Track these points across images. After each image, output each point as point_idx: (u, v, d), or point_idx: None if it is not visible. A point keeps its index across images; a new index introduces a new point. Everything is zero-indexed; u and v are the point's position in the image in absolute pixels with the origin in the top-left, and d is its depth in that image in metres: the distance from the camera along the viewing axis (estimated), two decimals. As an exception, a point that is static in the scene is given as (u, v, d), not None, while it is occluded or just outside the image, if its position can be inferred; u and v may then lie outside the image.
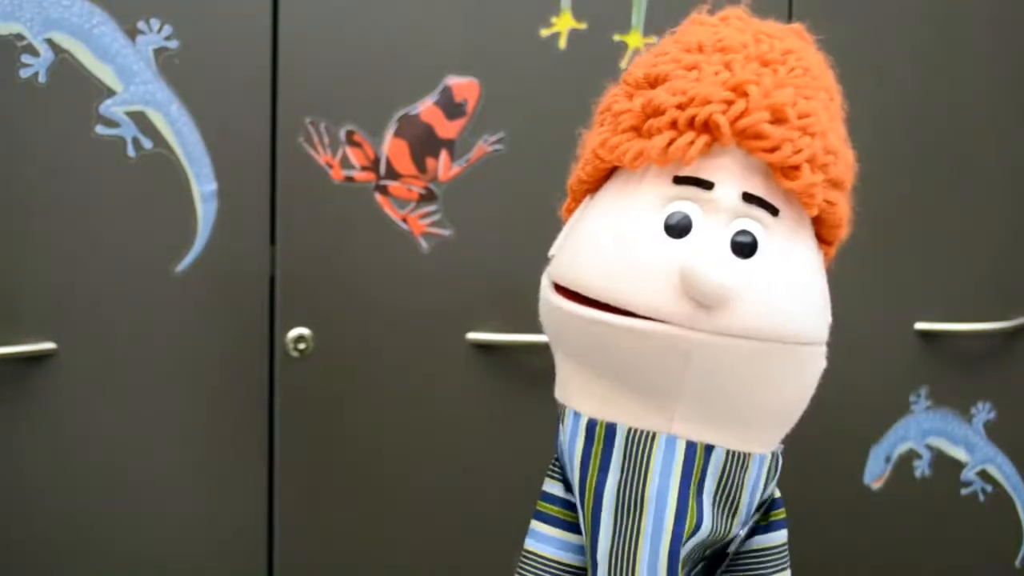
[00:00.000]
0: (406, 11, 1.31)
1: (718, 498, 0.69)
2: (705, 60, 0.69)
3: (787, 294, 0.68)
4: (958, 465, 1.53)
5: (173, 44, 1.25)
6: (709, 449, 0.69)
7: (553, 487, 0.77)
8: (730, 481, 0.70)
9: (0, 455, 1.25)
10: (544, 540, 0.76)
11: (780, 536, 0.75)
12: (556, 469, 0.78)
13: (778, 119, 0.67)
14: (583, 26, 1.35)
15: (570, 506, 0.76)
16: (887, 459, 1.51)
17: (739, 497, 0.70)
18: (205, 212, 1.28)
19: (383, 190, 1.33)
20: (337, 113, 1.30)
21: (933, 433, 1.52)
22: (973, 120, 1.48)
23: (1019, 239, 1.51)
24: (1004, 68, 1.49)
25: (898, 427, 1.51)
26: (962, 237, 1.49)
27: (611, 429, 0.70)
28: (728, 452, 0.69)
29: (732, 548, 0.72)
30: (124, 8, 1.23)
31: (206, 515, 1.32)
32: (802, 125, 0.67)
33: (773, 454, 0.72)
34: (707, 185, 0.67)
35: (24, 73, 1.21)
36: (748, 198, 0.67)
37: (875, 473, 1.51)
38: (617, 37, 1.37)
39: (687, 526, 0.69)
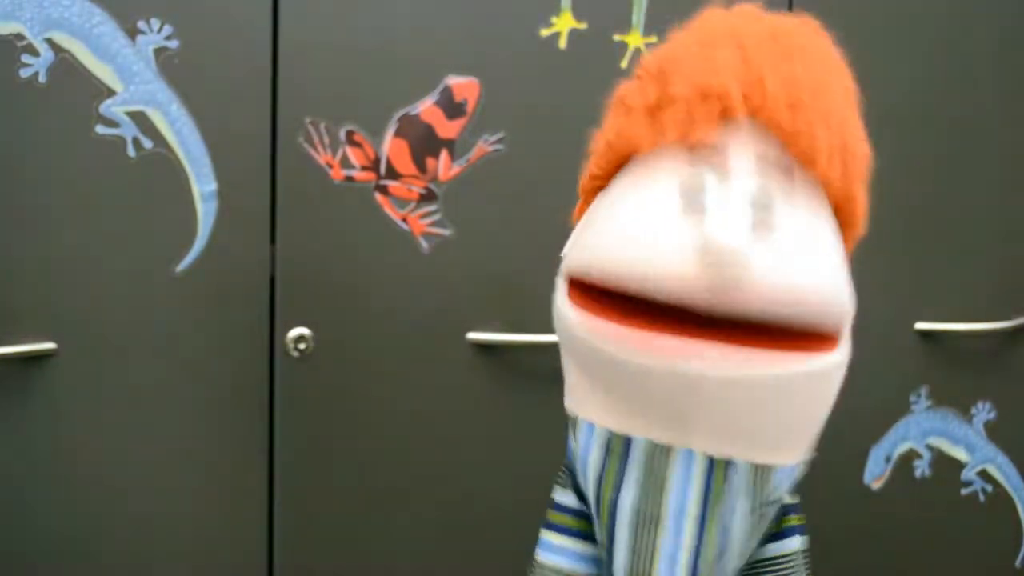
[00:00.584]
0: (406, 11, 1.31)
1: (747, 513, 0.67)
2: (719, 49, 0.68)
3: (807, 257, 0.65)
4: (958, 465, 1.53)
5: (173, 44, 1.25)
6: (730, 463, 0.66)
7: (563, 496, 0.76)
8: (756, 495, 0.67)
9: (0, 455, 1.24)
10: (556, 551, 0.75)
11: (795, 543, 0.73)
12: (566, 477, 0.76)
13: (795, 108, 0.66)
14: (583, 26, 1.35)
15: (582, 515, 0.74)
16: (887, 459, 1.51)
17: (768, 510, 0.68)
18: (205, 212, 1.28)
19: (383, 190, 1.32)
20: (337, 113, 1.30)
21: (933, 433, 1.52)
22: (973, 120, 1.48)
23: (1019, 239, 1.51)
24: (1005, 68, 1.49)
25: (898, 427, 1.51)
26: (962, 237, 1.49)
27: (628, 442, 0.68)
28: (752, 466, 0.67)
29: (750, 559, 0.71)
30: (124, 8, 1.23)
31: (206, 515, 1.32)
32: (820, 115, 0.66)
33: (801, 465, 0.70)
34: (720, 151, 0.66)
35: (24, 73, 1.21)
36: (761, 160, 0.66)
37: (875, 473, 1.51)
38: (617, 37, 1.37)
39: (707, 544, 0.67)
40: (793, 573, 0.73)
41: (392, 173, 1.32)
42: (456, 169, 1.34)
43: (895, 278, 1.46)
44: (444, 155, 1.33)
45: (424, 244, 1.34)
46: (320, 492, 1.34)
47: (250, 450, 1.32)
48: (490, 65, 1.33)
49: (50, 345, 1.24)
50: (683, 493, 0.67)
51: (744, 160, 0.65)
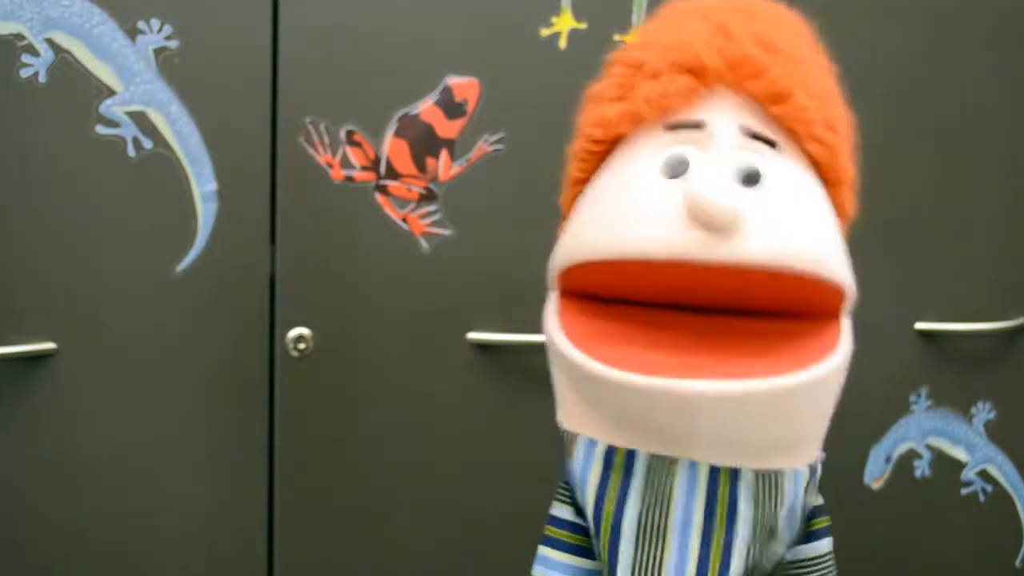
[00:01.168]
0: (406, 11, 1.31)
1: (754, 524, 0.66)
2: (685, 21, 0.68)
3: (798, 217, 0.63)
4: (958, 465, 1.53)
5: (173, 44, 1.25)
6: (735, 473, 0.66)
7: (562, 511, 0.75)
8: (764, 503, 0.66)
9: (0, 455, 1.24)
10: (553, 566, 0.74)
11: (823, 545, 0.72)
12: (565, 493, 0.75)
13: (764, 47, 0.64)
14: (583, 26, 1.35)
15: (580, 530, 0.73)
16: (887, 459, 1.51)
17: (776, 518, 0.67)
18: (205, 212, 1.28)
19: (383, 190, 1.32)
20: (337, 113, 1.30)
21: (933, 433, 1.52)
22: (973, 119, 1.48)
23: (1019, 239, 1.51)
24: (1005, 66, 1.49)
25: (898, 427, 1.51)
26: (962, 237, 1.49)
27: (631, 456, 0.67)
28: (757, 474, 0.66)
29: (777, 569, 0.70)
30: (124, 8, 1.23)
31: (206, 515, 1.32)
32: (789, 54, 0.65)
33: (812, 466, 0.69)
34: (699, 124, 0.65)
35: (24, 73, 1.21)
36: (744, 131, 0.64)
37: (875, 473, 1.51)
38: (617, 37, 1.37)
39: (713, 555, 0.66)
40: (826, 574, 0.72)
41: (392, 173, 1.32)
42: (456, 169, 1.34)
43: (895, 278, 1.46)
44: (444, 155, 1.33)
45: (424, 244, 1.34)
46: (320, 492, 1.34)
47: (250, 450, 1.32)
48: (490, 65, 1.33)
49: (50, 345, 1.24)
50: (688, 504, 0.66)
51: (727, 133, 0.64)
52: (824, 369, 0.63)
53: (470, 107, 1.33)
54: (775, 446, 0.66)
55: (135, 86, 1.24)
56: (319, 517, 1.34)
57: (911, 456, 1.52)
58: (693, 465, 0.66)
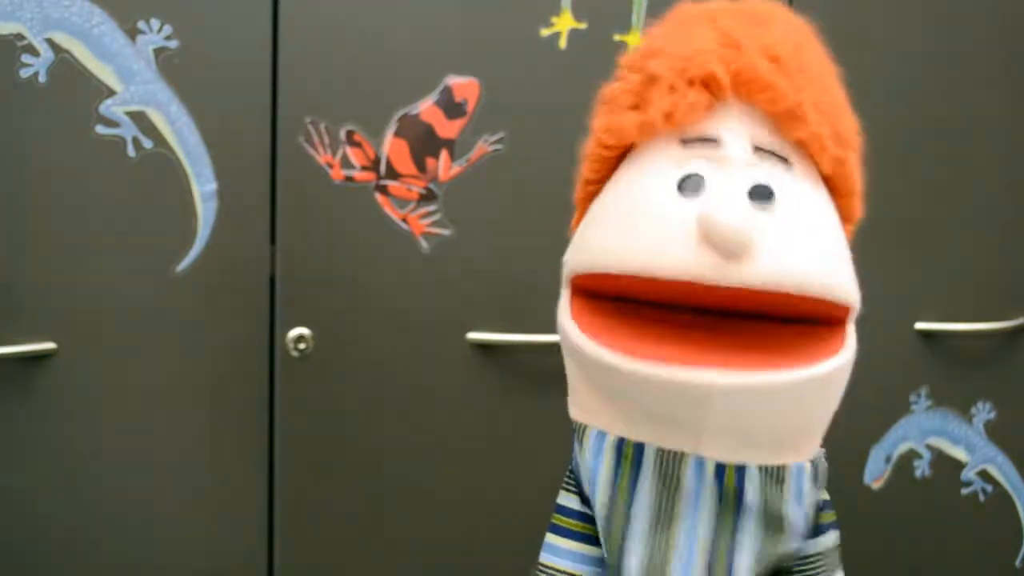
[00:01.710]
0: (406, 11, 1.31)
1: (760, 516, 0.67)
2: (695, 28, 0.68)
3: (809, 240, 0.64)
4: (958, 465, 1.53)
5: (173, 44, 1.25)
6: (741, 469, 0.67)
7: (569, 500, 0.76)
8: (769, 497, 0.67)
9: (0, 455, 1.24)
10: (561, 554, 0.75)
11: (829, 539, 0.73)
12: (571, 482, 0.76)
13: (776, 64, 0.65)
14: (583, 26, 1.35)
15: (586, 518, 0.75)
16: (887, 459, 1.51)
17: (782, 511, 0.68)
18: (205, 212, 1.28)
19: (383, 190, 1.32)
20: (337, 113, 1.30)
21: (933, 433, 1.52)
22: (973, 119, 1.48)
23: (1019, 239, 1.51)
24: (1004, 67, 1.49)
25: (898, 427, 1.51)
26: (962, 237, 1.49)
27: (640, 448, 0.68)
28: (761, 468, 0.67)
29: (790, 563, 0.70)
30: (124, 8, 1.23)
31: (206, 515, 1.32)
32: (801, 72, 0.66)
33: (811, 462, 0.70)
34: (715, 141, 0.66)
35: (24, 73, 1.21)
36: (758, 151, 0.66)
37: (875, 473, 1.51)
38: (617, 37, 1.37)
39: (721, 545, 0.67)
40: (829, 569, 0.73)
41: (392, 173, 1.32)
42: (456, 169, 1.34)
43: (895, 278, 1.46)
44: (444, 155, 1.33)
45: (424, 244, 1.34)
46: (320, 492, 1.34)
47: (250, 450, 1.32)
48: (490, 65, 1.33)
49: (50, 345, 1.24)
50: (697, 493, 0.67)
51: (741, 150, 0.65)
52: (833, 365, 0.65)
53: (470, 107, 1.33)
54: (780, 442, 0.67)
55: (135, 86, 1.24)
56: (319, 517, 1.34)
57: (911, 456, 1.52)
58: (700, 461, 0.67)
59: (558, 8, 1.35)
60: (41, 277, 1.24)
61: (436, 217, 1.34)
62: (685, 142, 0.66)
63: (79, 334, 1.25)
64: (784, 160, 0.66)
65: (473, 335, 1.35)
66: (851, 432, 1.47)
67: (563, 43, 1.35)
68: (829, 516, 0.74)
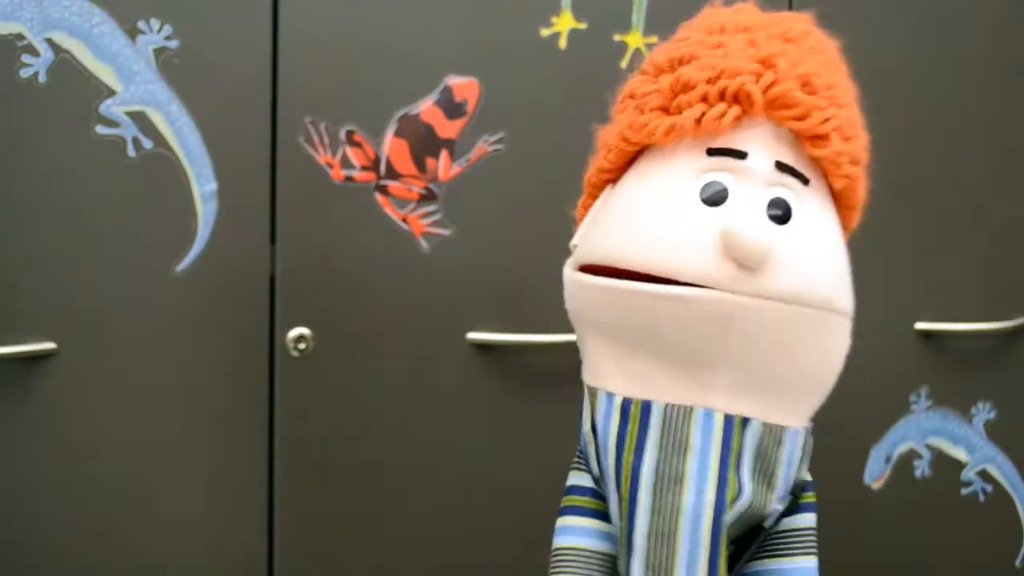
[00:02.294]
0: (406, 11, 1.31)
1: (756, 472, 0.70)
2: (729, 38, 0.71)
3: (821, 259, 0.69)
4: (958, 465, 1.53)
5: (173, 44, 1.25)
6: (745, 422, 0.69)
7: (581, 479, 0.77)
8: (767, 454, 0.70)
9: (0, 455, 1.24)
10: (577, 532, 0.76)
11: (807, 519, 0.75)
12: (581, 461, 0.78)
13: (807, 88, 0.69)
14: (583, 26, 1.35)
15: (600, 496, 0.75)
16: (887, 459, 1.51)
17: (775, 470, 0.71)
18: (205, 212, 1.28)
19: (383, 190, 1.33)
20: (337, 113, 1.30)
21: (933, 433, 1.52)
22: (973, 119, 1.48)
23: (1018, 239, 1.52)
24: (1004, 67, 1.49)
25: (898, 427, 1.51)
26: (962, 237, 1.49)
27: (647, 407, 0.70)
28: (764, 425, 0.70)
29: (768, 523, 0.72)
30: (124, 8, 1.23)
31: (206, 515, 1.32)
32: (829, 96, 0.69)
33: (804, 431, 0.73)
34: (741, 155, 0.68)
35: (24, 73, 1.21)
36: (780, 167, 0.69)
37: (875, 473, 1.51)
38: (617, 37, 1.37)
39: (728, 500, 0.69)
40: (807, 546, 0.74)
41: (392, 173, 1.32)
42: (456, 169, 1.34)
43: (895, 278, 1.46)
44: (444, 155, 1.33)
45: (424, 244, 1.34)
46: (320, 492, 1.34)
47: (250, 450, 1.32)
48: (490, 65, 1.33)
49: (50, 345, 1.24)
50: (704, 453, 0.69)
51: (765, 166, 0.69)
52: (843, 303, 0.70)
53: (470, 107, 1.33)
54: (785, 393, 0.70)
55: (135, 86, 1.24)
56: (319, 516, 1.34)
57: (911, 456, 1.52)
58: (708, 416, 0.69)
59: (558, 8, 1.35)
60: (41, 277, 1.24)
61: (436, 217, 1.34)
62: (711, 152, 0.69)
63: (79, 334, 1.25)
64: (803, 179, 0.70)
65: (473, 335, 1.35)
66: (851, 432, 1.48)
67: (563, 43, 1.35)
68: (809, 497, 0.75)
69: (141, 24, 1.23)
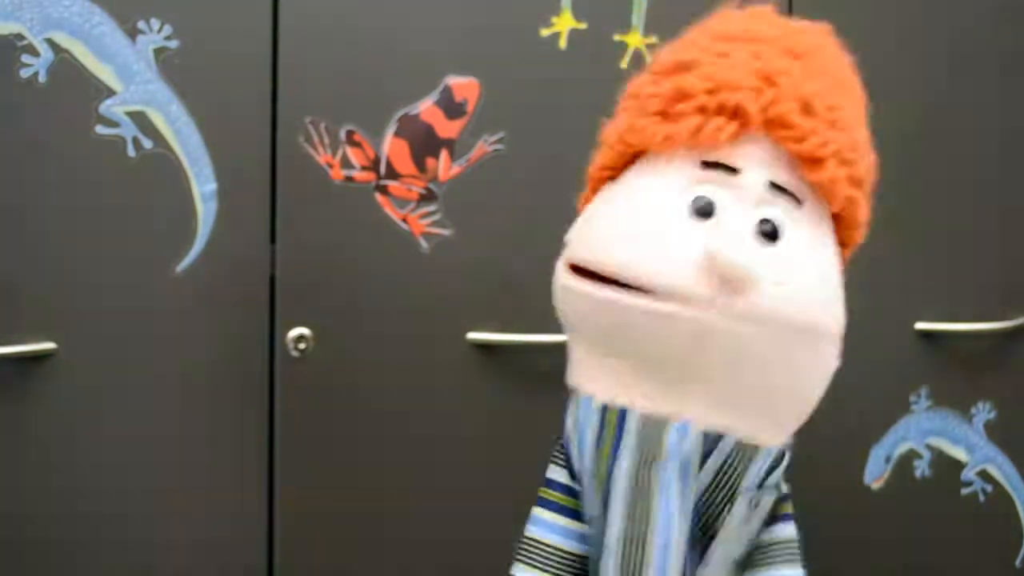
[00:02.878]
0: (406, 11, 1.31)
1: (718, 478, 0.69)
2: (735, 49, 0.70)
3: (808, 283, 0.68)
4: (958, 465, 1.53)
5: (173, 44, 1.25)
6: (719, 438, 0.68)
7: (557, 473, 0.78)
8: (733, 466, 0.69)
9: (0, 455, 1.24)
10: (546, 527, 0.77)
11: (787, 530, 0.75)
12: (560, 456, 0.78)
13: (807, 110, 0.67)
14: (583, 26, 1.35)
15: (572, 493, 0.76)
16: (887, 459, 1.51)
17: (737, 485, 0.70)
18: (205, 212, 1.28)
19: (383, 190, 1.32)
20: (337, 113, 1.30)
21: (933, 433, 1.52)
22: (973, 119, 1.48)
23: (1019, 239, 1.51)
24: (1004, 67, 1.49)
25: (898, 427, 1.51)
26: (962, 237, 1.49)
27: (623, 414, 0.70)
28: (737, 442, 0.69)
29: (719, 536, 0.72)
30: (124, 8, 1.23)
31: (206, 515, 1.32)
32: (830, 119, 0.68)
33: (781, 449, 0.72)
34: (734, 171, 0.68)
35: (24, 73, 1.21)
36: (774, 187, 0.68)
37: (875, 473, 1.51)
38: (617, 37, 1.37)
39: (698, 509, 0.69)
40: (789, 557, 0.74)
41: (392, 173, 1.32)
42: (456, 169, 1.34)
43: (895, 278, 1.46)
44: (444, 155, 1.33)
45: (424, 244, 1.34)
46: (320, 492, 1.34)
47: (250, 450, 1.32)
48: (490, 65, 1.33)
49: (50, 345, 1.24)
50: (676, 462, 0.68)
51: (756, 183, 0.67)
52: (828, 326, 0.68)
53: (470, 107, 1.33)
54: (762, 410, 0.69)
55: (135, 86, 1.24)
56: (319, 517, 1.34)
57: (911, 456, 1.52)
58: (683, 427, 0.68)
59: (558, 8, 1.35)
60: (41, 277, 1.24)
61: (436, 217, 1.34)
62: (705, 164, 0.68)
63: (79, 334, 1.25)
64: (796, 199, 0.68)
65: (473, 335, 1.35)
66: (851, 432, 1.48)
67: (563, 43, 1.35)
68: (787, 508, 0.75)
69: (141, 24, 1.23)
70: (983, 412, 1.53)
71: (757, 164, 0.68)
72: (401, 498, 1.36)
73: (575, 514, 0.76)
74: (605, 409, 0.71)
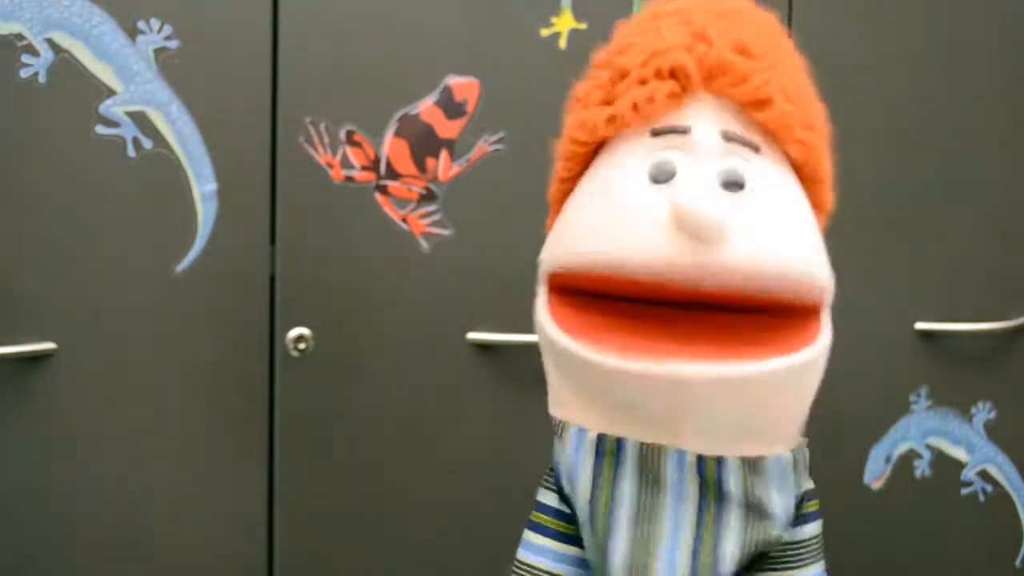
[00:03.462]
0: (406, 11, 1.31)
1: (743, 505, 0.68)
2: (664, 23, 0.70)
3: (782, 224, 0.66)
4: (958, 465, 1.53)
5: (173, 44, 1.25)
6: (720, 460, 0.67)
7: (547, 497, 0.77)
8: (750, 486, 0.68)
9: (0, 455, 1.24)
10: (538, 551, 0.76)
11: (811, 529, 0.74)
12: (550, 480, 0.77)
13: (743, 52, 0.67)
14: (583, 26, 1.35)
15: (564, 517, 0.75)
16: (887, 459, 1.51)
17: (762, 500, 0.68)
18: (205, 212, 1.28)
19: (383, 190, 1.32)
20: (337, 113, 1.30)
21: (933, 433, 1.52)
22: (973, 119, 1.48)
23: (1019, 239, 1.51)
24: (1004, 67, 1.49)
25: (898, 427, 1.51)
26: (962, 237, 1.49)
27: (620, 444, 0.69)
28: (742, 459, 0.68)
29: (784, 539, 0.71)
30: (124, 8, 1.23)
31: (206, 515, 1.32)
32: (769, 61, 0.67)
33: (793, 451, 0.71)
34: (684, 130, 0.67)
35: (24, 73, 1.21)
36: (727, 137, 0.67)
37: (875, 473, 1.51)
38: (617, 37, 1.37)
39: (706, 536, 0.68)
40: (812, 555, 0.74)
41: (392, 173, 1.32)
42: (456, 169, 1.34)
43: (895, 278, 1.46)
44: (444, 155, 1.33)
45: (424, 244, 1.34)
46: (320, 492, 1.34)
47: (250, 450, 1.32)
48: (490, 65, 1.33)
49: (50, 345, 1.24)
50: (680, 486, 0.68)
51: (711, 138, 0.67)
52: (809, 354, 0.66)
53: (470, 107, 1.33)
54: (760, 432, 0.68)
55: (135, 86, 1.24)
56: (319, 516, 1.34)
57: (911, 456, 1.52)
58: (681, 453, 0.68)
59: (558, 8, 1.35)
60: (41, 277, 1.24)
61: (436, 217, 1.34)
62: (656, 133, 0.68)
63: (79, 334, 1.25)
64: (753, 146, 0.67)
65: (473, 335, 1.35)
66: (851, 432, 1.48)
67: (563, 43, 1.35)
68: (813, 505, 0.74)
69: (141, 24, 1.23)
70: (983, 412, 1.53)
71: (706, 119, 0.67)
72: (401, 497, 1.36)
73: (566, 538, 0.75)
74: (602, 439, 0.70)
